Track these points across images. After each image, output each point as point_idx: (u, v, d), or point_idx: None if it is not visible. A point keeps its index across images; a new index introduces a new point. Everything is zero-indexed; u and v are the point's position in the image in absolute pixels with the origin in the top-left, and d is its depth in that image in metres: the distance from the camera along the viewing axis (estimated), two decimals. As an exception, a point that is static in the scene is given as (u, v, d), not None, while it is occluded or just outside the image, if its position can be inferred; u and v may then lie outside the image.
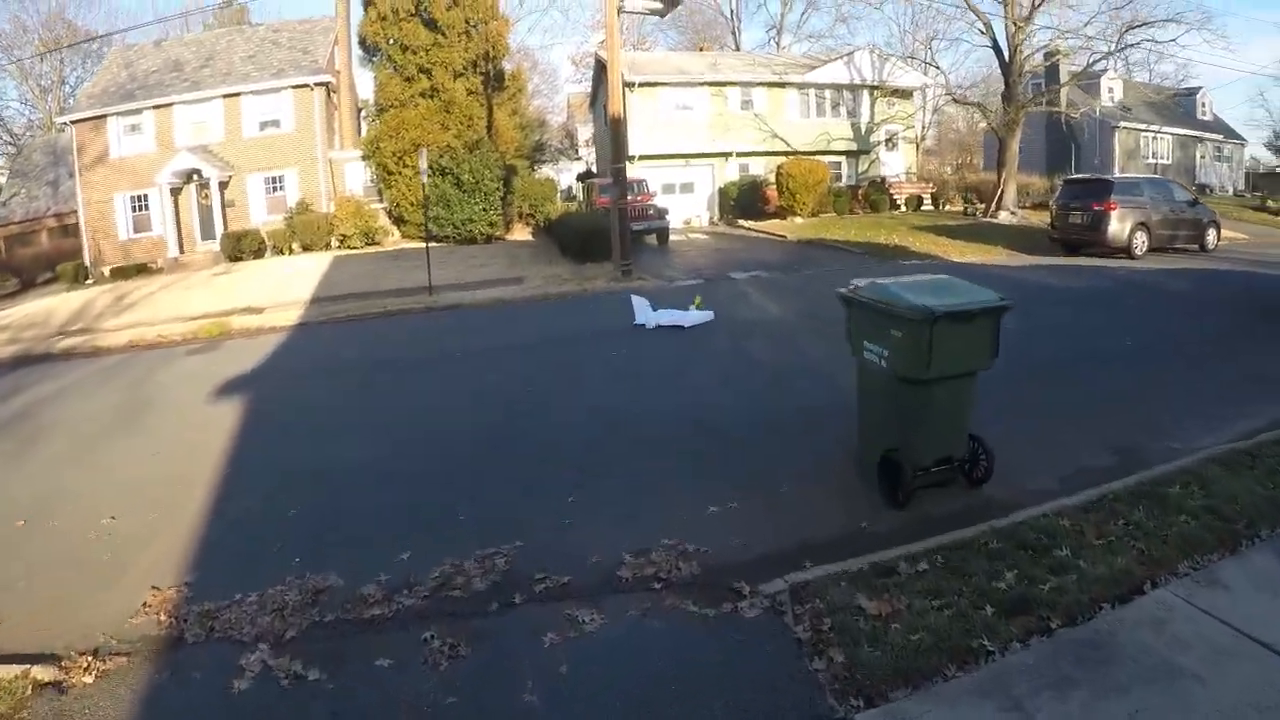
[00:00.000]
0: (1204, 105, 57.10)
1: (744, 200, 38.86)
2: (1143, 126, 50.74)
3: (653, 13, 22.01)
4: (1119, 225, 23.77)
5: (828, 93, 41.79)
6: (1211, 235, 26.89)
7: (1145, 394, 9.89)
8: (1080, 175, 33.04)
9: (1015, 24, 33.54)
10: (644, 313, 15.14)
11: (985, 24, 34.64)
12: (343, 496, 7.73)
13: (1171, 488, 6.62)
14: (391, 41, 33.58)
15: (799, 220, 35.23)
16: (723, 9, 66.46)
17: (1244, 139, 61.95)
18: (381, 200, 35.43)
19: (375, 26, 33.62)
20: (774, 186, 37.37)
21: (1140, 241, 24.27)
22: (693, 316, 14.93)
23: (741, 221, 37.28)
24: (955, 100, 38.61)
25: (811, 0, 69.91)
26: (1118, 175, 27.83)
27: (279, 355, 14.57)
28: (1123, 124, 49.16)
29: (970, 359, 6.75)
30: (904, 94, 43.60)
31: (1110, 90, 48.34)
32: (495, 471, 8.04)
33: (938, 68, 37.26)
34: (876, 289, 7.00)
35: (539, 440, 8.85)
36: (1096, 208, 23.97)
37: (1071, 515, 6.22)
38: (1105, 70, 37.35)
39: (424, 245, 23.02)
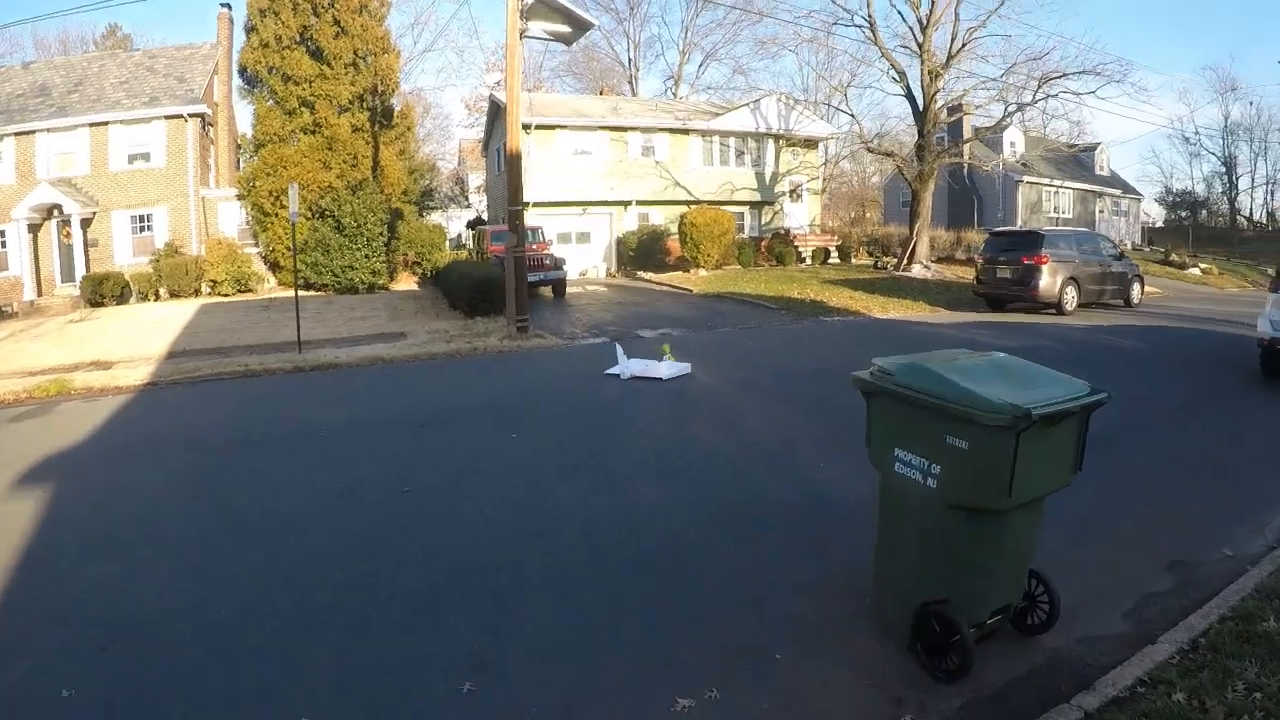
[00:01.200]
0: (1102, 161, 58.35)
1: (644, 251, 36.84)
2: (1045, 181, 51.30)
3: (558, 38, 19.89)
4: (1050, 280, 22.65)
5: (732, 141, 40.29)
6: (1136, 290, 26.31)
7: (1161, 480, 8.34)
8: (1007, 228, 32.19)
9: (930, 74, 32.45)
10: (621, 362, 14.25)
11: (900, 72, 33.59)
12: (145, 670, 4.97)
13: (1264, 621, 5.08)
14: (273, 71, 30.99)
15: (703, 273, 33.33)
16: (621, 57, 65.35)
17: (1140, 194, 63.07)
18: (257, 244, 32.64)
19: (256, 54, 30.99)
20: (676, 237, 35.43)
21: (1070, 297, 23.28)
22: (669, 368, 13.73)
23: (641, 273, 35.22)
24: (869, 149, 37.18)
25: (709, 52, 68.83)
26: (1048, 228, 26.76)
27: (114, 426, 11.48)
28: (1026, 178, 49.52)
29: (1054, 475, 4.73)
30: (810, 144, 42.48)
31: (1012, 144, 48.46)
32: (359, 638, 5.33)
33: (851, 115, 35.88)
34: (919, 373, 4.85)
35: (423, 578, 6.16)
36: (1027, 261, 22.77)
37: (1175, 680, 4.51)
38: (1009, 124, 36.44)
39: (305, 294, 20.53)
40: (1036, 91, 31.49)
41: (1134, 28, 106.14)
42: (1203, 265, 45.79)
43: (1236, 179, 76.18)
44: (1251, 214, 76.93)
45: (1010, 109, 33.06)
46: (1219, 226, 72.08)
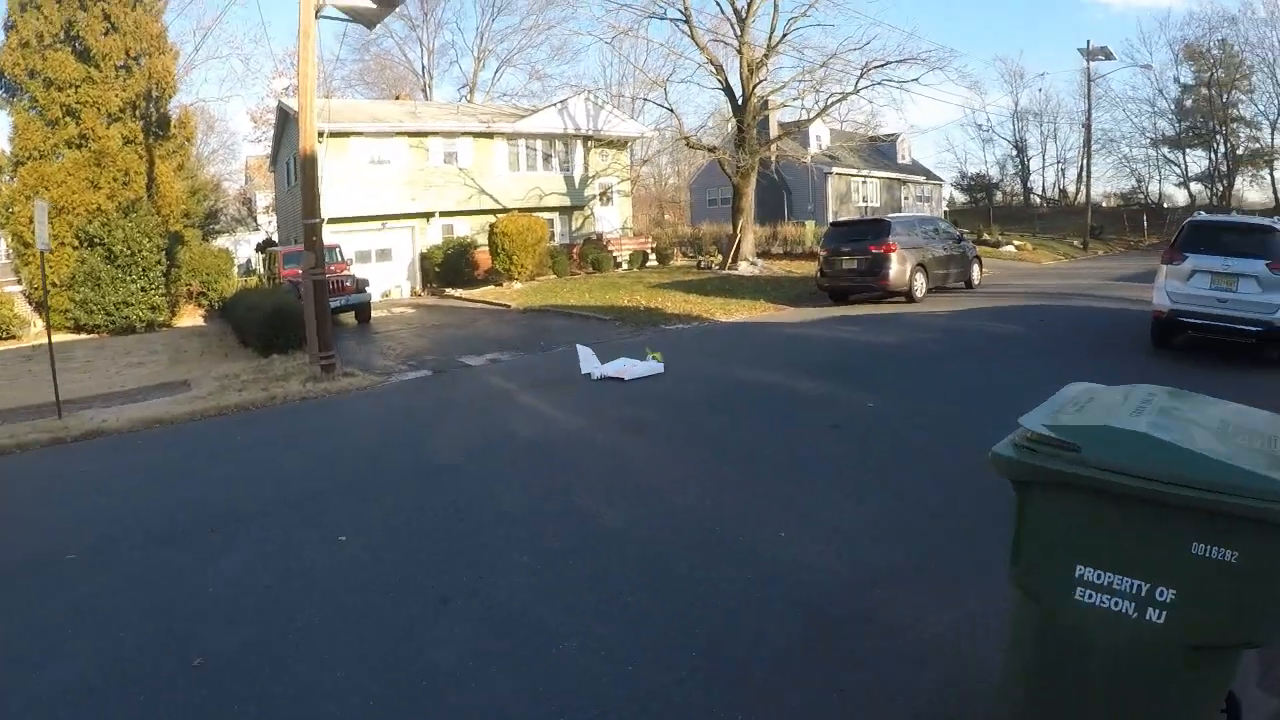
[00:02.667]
0: (903, 150, 59.45)
1: (451, 266, 33.63)
2: (853, 171, 51.82)
3: (359, 18, 17.00)
4: (900, 267, 21.59)
5: (539, 144, 37.75)
6: (976, 271, 25.95)
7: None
8: (849, 218, 31.32)
9: (750, 66, 30.86)
10: (589, 362, 13.91)
11: (717, 66, 31.90)
12: None
13: None
14: (34, 76, 26.29)
15: (518, 286, 30.61)
16: (414, 65, 62.33)
17: (941, 179, 64.49)
18: (19, 280, 28.41)
19: (16, 55, 26.27)
20: (484, 249, 32.45)
21: (920, 283, 22.41)
22: (642, 367, 13.46)
23: (451, 290, 32.04)
24: (690, 144, 35.26)
25: (505, 58, 66.31)
26: (893, 215, 25.49)
27: None
28: (835, 169, 49.58)
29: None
30: (619, 144, 40.43)
31: (818, 138, 48.03)
32: None
33: (670, 109, 33.97)
34: (1134, 444, 2.92)
35: None
36: (875, 250, 21.58)
37: None
38: (830, 116, 35.67)
39: (75, 337, 16.99)
40: (859, 80, 30.55)
41: (939, 20, 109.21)
42: (1016, 242, 46.98)
43: (1028, 161, 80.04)
44: (1044, 191, 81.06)
45: (833, 99, 32.00)
46: (1014, 205, 75.58)
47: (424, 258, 34.72)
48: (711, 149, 34.95)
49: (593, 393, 12.46)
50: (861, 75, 30.41)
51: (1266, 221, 14.15)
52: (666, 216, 66.71)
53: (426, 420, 11.64)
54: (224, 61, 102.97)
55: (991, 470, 3.18)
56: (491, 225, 31.63)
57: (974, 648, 4.66)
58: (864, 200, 53.20)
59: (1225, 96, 64.68)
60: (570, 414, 11.10)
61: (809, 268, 32.54)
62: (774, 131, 36.26)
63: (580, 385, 13.07)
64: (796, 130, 36.46)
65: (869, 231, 22.30)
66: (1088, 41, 51.52)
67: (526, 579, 5.86)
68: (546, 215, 36.96)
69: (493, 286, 31.04)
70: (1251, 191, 68.90)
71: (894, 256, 21.31)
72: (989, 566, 5.44)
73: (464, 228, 35.47)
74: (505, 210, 34.23)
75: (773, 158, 35.75)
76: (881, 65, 30.20)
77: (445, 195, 34.78)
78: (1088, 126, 56.09)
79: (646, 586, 5.63)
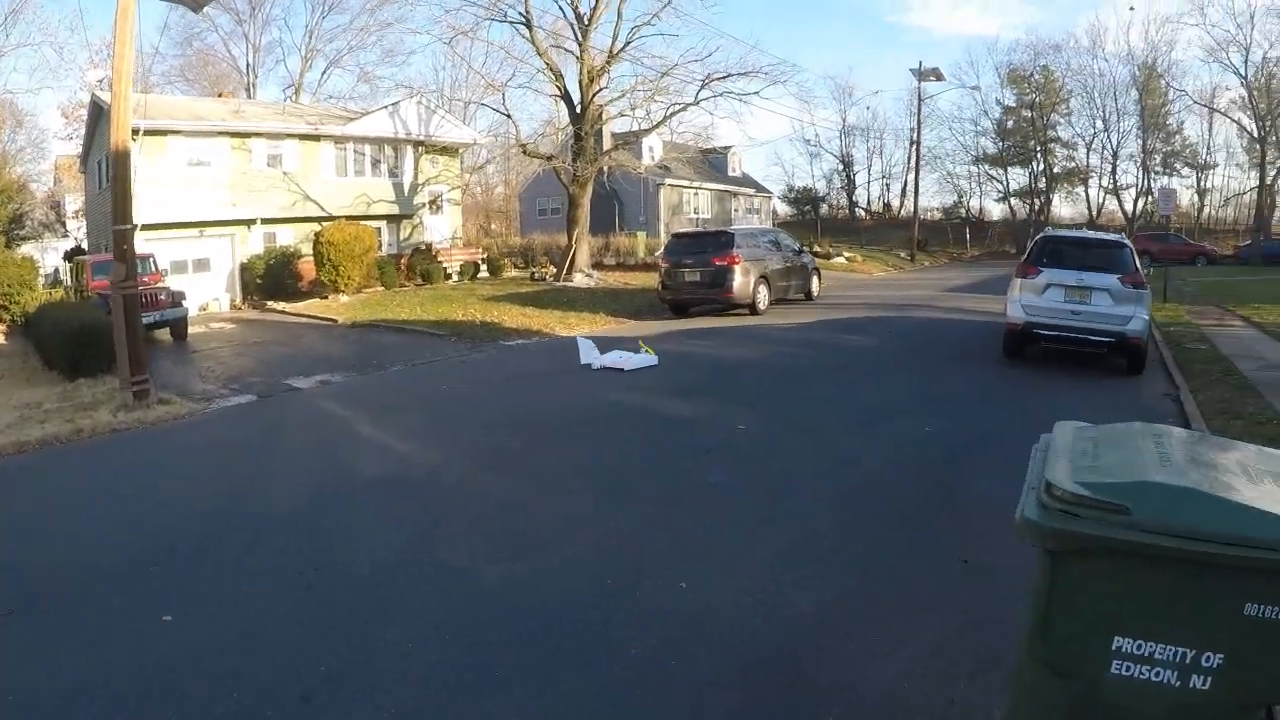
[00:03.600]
0: (734, 163, 60.70)
1: (274, 277, 31.53)
2: (685, 183, 52.26)
3: (184, 2, 15.73)
4: (744, 280, 21.60)
5: (368, 148, 36.12)
6: (815, 283, 26.25)
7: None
8: (693, 229, 31.01)
9: (590, 74, 30.28)
10: (589, 353, 15.07)
11: (556, 72, 31.26)
12: None
13: None
14: None
15: (345, 298, 28.97)
16: (239, 62, 59.48)
17: (770, 191, 65.78)
18: None
19: None
20: (309, 259, 30.65)
21: (764, 296, 22.48)
22: (637, 359, 14.64)
23: (273, 304, 29.96)
24: (526, 152, 34.33)
25: (334, 59, 64.14)
26: (737, 227, 25.78)
27: None
28: (668, 181, 50.02)
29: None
30: (451, 151, 39.33)
31: (651, 149, 47.74)
32: None
33: (508, 115, 33.10)
34: (1183, 502, 2.59)
35: None
36: (718, 263, 21.49)
37: None
38: (667, 127, 35.63)
39: None
40: (700, 91, 30.66)
41: (777, 35, 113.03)
42: (847, 254, 47.71)
43: (854, 175, 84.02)
44: (869, 205, 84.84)
45: (674, 109, 31.89)
46: (840, 218, 78.70)
47: (245, 268, 32.56)
48: (549, 158, 34.20)
49: (439, 419, 11.55)
50: (703, 86, 30.65)
51: (1115, 237, 14.98)
52: (494, 226, 66.03)
53: (257, 457, 10.35)
54: (36, 49, 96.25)
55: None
56: (317, 234, 29.87)
57: (937, 705, 4.18)
58: (695, 211, 53.83)
59: (1045, 119, 69.87)
60: (419, 445, 10.09)
61: (644, 279, 32.32)
62: (608, 142, 35.78)
63: (402, 407, 12.27)
64: (634, 140, 36.27)
65: (711, 244, 22.17)
66: (919, 62, 54.14)
67: (399, 662, 4.85)
68: (374, 224, 35.42)
69: (318, 300, 29.39)
70: (1065, 207, 75.07)
71: (737, 269, 21.25)
72: (913, 603, 5.21)
73: (288, 236, 33.65)
74: (331, 218, 32.43)
75: (607, 168, 35.25)
76: (724, 77, 30.51)
77: (268, 201, 32.87)
78: (916, 143, 58.38)
79: (542, 659, 4.84)
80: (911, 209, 61.41)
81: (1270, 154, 60.91)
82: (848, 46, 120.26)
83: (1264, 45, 59.11)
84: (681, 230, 27.50)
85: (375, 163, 36.37)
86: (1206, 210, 68.73)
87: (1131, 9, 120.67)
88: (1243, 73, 59.50)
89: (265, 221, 33.13)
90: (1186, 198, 68.77)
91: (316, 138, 34.06)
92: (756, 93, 30.75)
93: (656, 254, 43.93)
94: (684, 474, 8.41)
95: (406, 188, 37.23)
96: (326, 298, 29.12)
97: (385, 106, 37.30)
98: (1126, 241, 14.32)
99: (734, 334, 18.67)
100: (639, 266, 39.47)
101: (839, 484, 7.84)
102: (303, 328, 23.91)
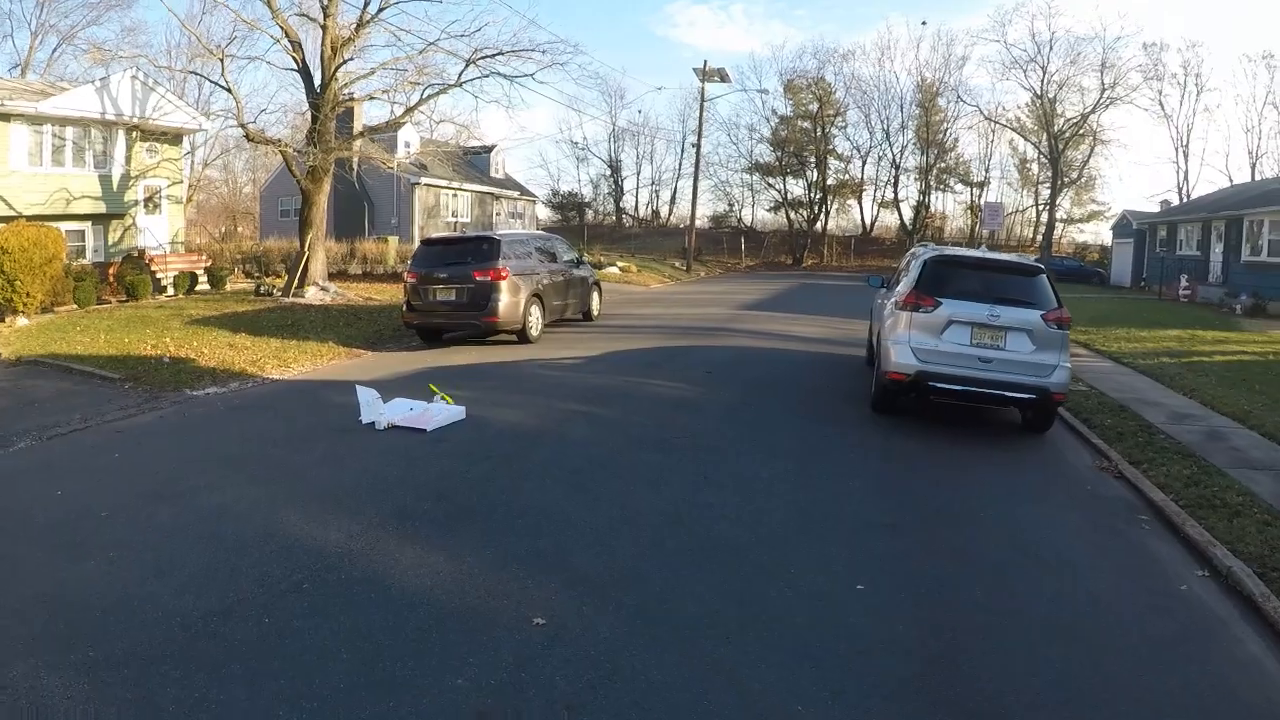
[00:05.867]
0: (498, 163, 56.06)
1: None
2: (443, 183, 47.56)
3: None
4: (512, 299, 17.16)
5: (70, 131, 28.76)
6: (596, 300, 22.21)
7: None
8: (445, 234, 25.89)
9: (334, 45, 25.14)
10: (371, 406, 10.77)
11: (294, 41, 25.70)
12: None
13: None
14: None
15: (22, 322, 21.86)
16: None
17: (535, 195, 62.58)
18: None
19: None
20: None
21: (536, 319, 18.10)
22: (438, 413, 10.65)
23: None
24: (250, 137, 28.29)
25: (67, 34, 55.98)
26: (503, 232, 20.32)
27: None
28: (424, 180, 45.27)
29: None
30: (172, 137, 33.06)
31: (407, 144, 42.77)
32: None
33: (229, 90, 26.64)
34: None
35: None
36: (480, 277, 16.90)
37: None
38: (422, 116, 30.48)
39: None
40: (465, 69, 25.75)
41: (553, 18, 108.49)
42: (621, 263, 44.34)
43: (622, 180, 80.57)
44: (637, 211, 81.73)
45: (431, 90, 26.80)
46: (607, 224, 75.55)
47: (-108, 284, 26.08)
48: (275, 142, 28.14)
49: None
50: (469, 64, 25.60)
51: (1027, 260, 11.76)
52: (240, 229, 59.72)
53: None
54: None
55: None
56: None
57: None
58: (454, 215, 49.40)
59: (823, 130, 69.29)
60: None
61: (393, 293, 27.69)
62: (358, 127, 30.80)
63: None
64: (385, 130, 31.06)
65: (472, 252, 17.50)
66: (704, 62, 50.94)
67: None
68: (76, 225, 29.05)
69: None
70: (839, 219, 75.55)
71: (504, 285, 16.74)
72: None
73: None
74: (21, 217, 26.22)
75: (354, 161, 30.15)
76: (494, 55, 25.62)
77: None
78: (698, 146, 55.88)
79: None
80: (686, 217, 59.34)
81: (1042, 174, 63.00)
82: (620, 48, 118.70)
83: (1058, 66, 61.49)
84: (434, 235, 22.48)
85: (79, 150, 29.51)
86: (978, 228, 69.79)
87: (924, 23, 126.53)
88: (1039, 91, 60.08)
89: (-69, 222, 26.51)
90: (961, 214, 71.44)
91: (5, 117, 27.42)
92: (531, 75, 26.23)
93: (409, 262, 39.43)
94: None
95: (117, 181, 30.57)
96: (3, 319, 23.05)
97: (92, 81, 30.27)
98: (1040, 265, 11.13)
99: (501, 377, 14.15)
100: (388, 277, 34.66)
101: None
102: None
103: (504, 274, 16.71)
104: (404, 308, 18.17)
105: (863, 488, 8.44)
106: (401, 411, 10.72)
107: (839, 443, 10.19)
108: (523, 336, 17.44)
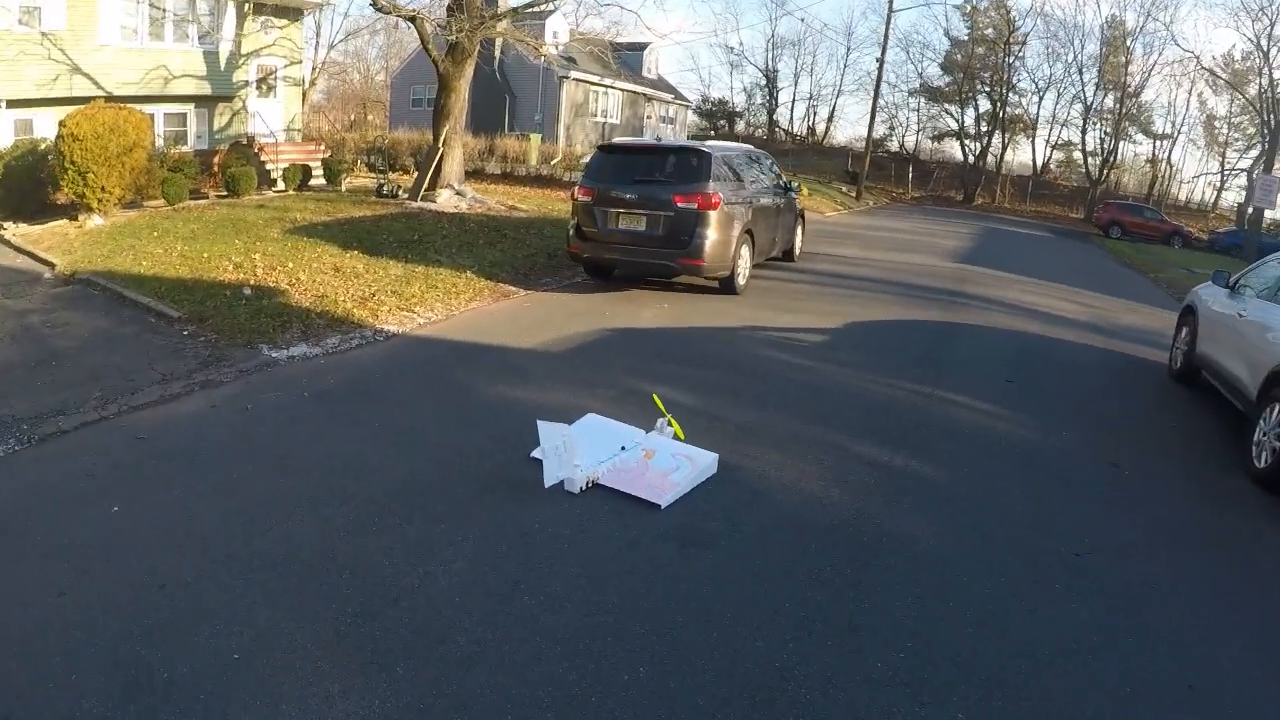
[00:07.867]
0: (650, 63, 51.05)
1: (16, 185, 19.93)
2: (593, 79, 43.14)
3: None
4: (722, 238, 12.46)
5: (170, 1, 25.56)
6: (799, 237, 17.70)
7: None
8: (634, 140, 19.95)
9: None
10: (559, 455, 5.70)
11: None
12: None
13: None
14: None
15: (98, 221, 18.10)
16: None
17: (688, 100, 58.12)
18: None
19: None
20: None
21: (745, 265, 13.41)
22: (671, 463, 5.95)
23: (9, 225, 18.52)
24: (378, 6, 23.33)
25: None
26: (714, 144, 15.08)
27: None
28: (573, 74, 41.26)
29: None
30: (292, 11, 28.72)
31: (555, 34, 38.16)
32: None
33: None
34: None
35: None
36: (683, 204, 12.17)
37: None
38: (554, 9, 25.72)
39: None
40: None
41: None
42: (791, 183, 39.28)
43: (777, 92, 74.06)
44: (791, 126, 75.38)
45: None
46: (758, 138, 68.29)
47: (-27, 171, 22.31)
48: (412, 16, 23.05)
49: None
50: None
51: None
52: (370, 118, 55.98)
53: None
54: None
55: None
56: (61, 124, 19.78)
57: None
58: (603, 114, 45.11)
59: (1003, 58, 61.33)
60: None
61: (538, 199, 23.59)
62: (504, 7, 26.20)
63: None
64: (535, 4, 26.18)
65: (670, 168, 12.70)
66: None
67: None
68: (177, 108, 25.36)
69: (67, 221, 19.09)
70: (1011, 155, 67.60)
71: (715, 218, 12.09)
72: None
73: (47, 124, 23.36)
74: (113, 98, 22.29)
75: (497, 48, 25.41)
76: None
77: (19, 74, 22.29)
78: (880, 61, 49.79)
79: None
80: (845, 137, 53.45)
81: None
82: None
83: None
84: (617, 141, 17.15)
85: (180, 22, 25.63)
86: (1160, 185, 63.06)
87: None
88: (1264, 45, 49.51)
89: (14, 104, 22.72)
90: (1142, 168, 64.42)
91: (94, -18, 23.24)
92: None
93: (554, 162, 35.01)
94: None
95: (225, 59, 26.57)
96: (76, 218, 19.16)
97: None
98: None
99: (720, 361, 9.54)
100: (530, 180, 30.62)
101: None
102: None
103: (715, 201, 12.06)
104: (571, 232, 13.42)
105: None
106: (608, 455, 6.08)
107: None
108: (727, 286, 12.95)
